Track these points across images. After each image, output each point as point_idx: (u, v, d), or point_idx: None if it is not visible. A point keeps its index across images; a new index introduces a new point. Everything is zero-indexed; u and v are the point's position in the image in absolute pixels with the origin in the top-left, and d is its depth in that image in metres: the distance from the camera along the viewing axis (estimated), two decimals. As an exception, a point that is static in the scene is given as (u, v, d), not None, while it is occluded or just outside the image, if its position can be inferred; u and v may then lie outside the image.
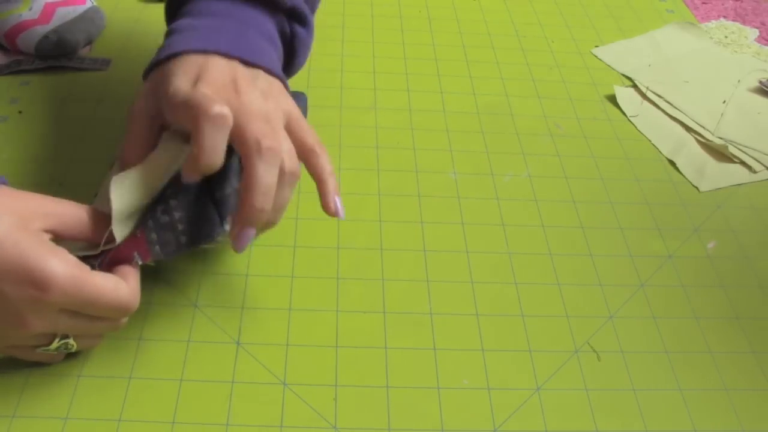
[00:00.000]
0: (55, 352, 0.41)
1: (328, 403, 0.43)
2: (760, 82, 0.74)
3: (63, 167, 0.56)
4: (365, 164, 0.60)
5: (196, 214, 0.42)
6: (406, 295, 0.50)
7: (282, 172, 0.40)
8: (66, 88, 0.64)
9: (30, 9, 0.65)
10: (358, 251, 0.53)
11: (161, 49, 0.44)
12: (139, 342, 0.45)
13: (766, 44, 0.83)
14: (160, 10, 0.75)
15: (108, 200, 0.39)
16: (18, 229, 0.36)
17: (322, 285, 0.50)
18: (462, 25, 0.79)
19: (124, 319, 0.42)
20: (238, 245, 0.41)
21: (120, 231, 0.40)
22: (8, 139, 0.58)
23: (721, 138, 0.67)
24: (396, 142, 0.63)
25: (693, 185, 0.62)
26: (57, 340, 0.40)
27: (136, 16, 0.74)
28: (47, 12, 0.65)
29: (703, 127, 0.68)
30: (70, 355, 0.44)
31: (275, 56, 0.47)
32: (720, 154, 0.66)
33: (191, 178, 0.40)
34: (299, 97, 0.53)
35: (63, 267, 0.36)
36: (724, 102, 0.72)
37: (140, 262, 0.41)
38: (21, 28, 0.64)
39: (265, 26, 0.47)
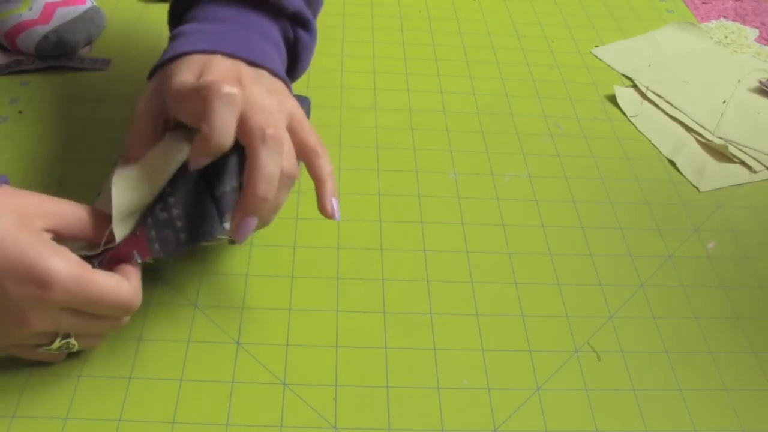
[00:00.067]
0: (57, 352, 0.41)
1: (328, 403, 0.43)
2: (760, 82, 0.74)
3: (63, 167, 0.56)
4: (365, 164, 0.60)
5: (195, 212, 0.42)
6: (406, 295, 0.50)
7: (280, 174, 0.40)
8: (66, 88, 0.64)
9: (30, 9, 0.65)
10: (358, 251, 0.53)
11: (165, 51, 0.44)
12: (139, 342, 0.45)
13: (766, 44, 0.83)
14: (160, 10, 0.75)
15: (110, 198, 0.39)
16: (19, 227, 0.36)
17: (322, 285, 0.50)
18: (462, 25, 0.79)
19: (126, 318, 0.42)
20: (240, 235, 0.41)
21: (120, 230, 0.40)
22: (8, 139, 0.58)
23: (721, 138, 0.67)
24: (396, 142, 0.63)
25: (693, 185, 0.62)
26: (59, 339, 0.40)
27: (136, 16, 0.74)
28: (47, 12, 0.65)
29: (703, 127, 0.68)
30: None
31: (279, 60, 0.47)
32: (720, 154, 0.66)
33: (199, 162, 0.40)
34: (302, 101, 0.53)
35: (65, 265, 0.36)
36: (724, 102, 0.72)
37: (140, 261, 0.41)
38: (21, 28, 0.64)
39: (270, 31, 0.47)
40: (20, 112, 0.61)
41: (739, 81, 0.75)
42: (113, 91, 0.64)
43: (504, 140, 0.64)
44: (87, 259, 0.39)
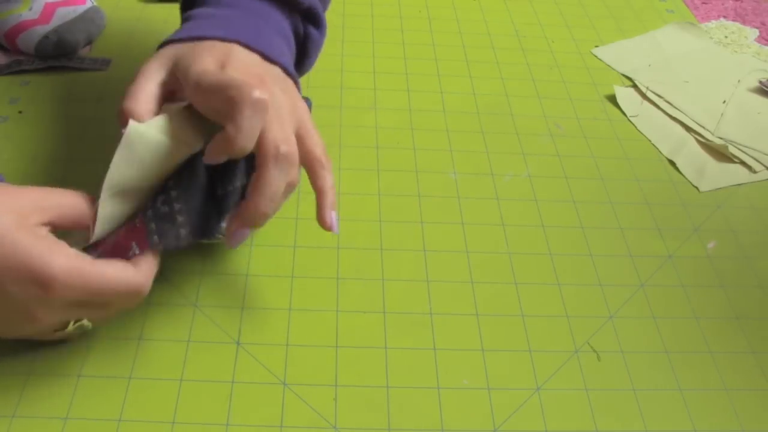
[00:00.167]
0: (74, 333, 0.42)
1: (328, 403, 0.43)
2: (760, 82, 0.74)
3: (63, 167, 0.56)
4: (365, 164, 0.60)
5: (197, 209, 0.42)
6: (406, 295, 0.50)
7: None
8: (66, 88, 0.64)
9: (30, 9, 0.65)
10: (358, 251, 0.53)
11: (179, 31, 0.44)
12: (139, 342, 0.45)
13: (766, 44, 0.83)
14: (160, 10, 0.75)
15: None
16: (16, 227, 0.36)
17: (322, 285, 0.50)
18: (462, 25, 0.79)
19: (145, 291, 0.41)
20: (233, 243, 0.41)
21: (105, 207, 0.39)
22: (8, 139, 0.58)
23: (721, 138, 0.67)
24: (396, 142, 0.63)
25: (693, 185, 0.62)
26: (72, 324, 0.40)
27: (136, 16, 0.74)
28: (47, 12, 0.65)
29: (703, 127, 0.68)
30: (71, 355, 0.44)
31: (289, 55, 0.47)
32: (720, 154, 0.66)
33: (216, 160, 0.40)
34: (305, 102, 0.53)
35: (63, 262, 0.36)
36: (724, 102, 0.72)
37: (137, 252, 0.40)
38: (21, 28, 0.64)
39: (281, 24, 0.47)
40: (20, 112, 0.61)
41: (739, 81, 0.75)
42: (113, 91, 0.64)
43: (504, 140, 0.64)
44: (86, 250, 0.39)
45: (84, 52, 0.68)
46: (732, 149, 0.65)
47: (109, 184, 0.39)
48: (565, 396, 0.45)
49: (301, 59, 0.51)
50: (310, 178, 0.44)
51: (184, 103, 0.42)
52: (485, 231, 0.55)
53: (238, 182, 0.43)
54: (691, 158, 0.65)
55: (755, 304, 0.53)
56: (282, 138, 0.39)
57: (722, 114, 0.70)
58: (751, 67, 0.77)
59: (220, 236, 0.43)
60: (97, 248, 0.40)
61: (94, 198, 0.40)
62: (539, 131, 0.66)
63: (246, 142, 0.38)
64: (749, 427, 0.45)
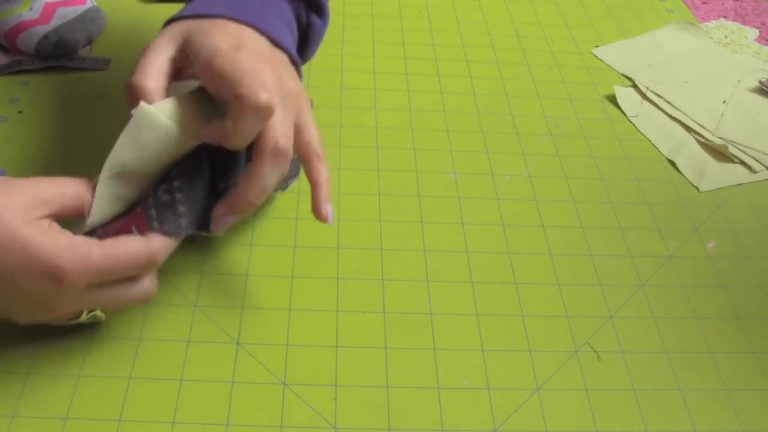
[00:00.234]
0: (86, 322, 0.42)
1: (328, 403, 0.43)
2: (760, 82, 0.74)
3: (63, 167, 0.56)
4: (365, 164, 0.60)
5: (199, 200, 0.42)
6: (406, 295, 0.50)
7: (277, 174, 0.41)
8: (66, 88, 0.64)
9: (30, 9, 0.65)
10: (358, 251, 0.53)
11: (187, 7, 0.44)
12: (139, 342, 0.45)
13: (766, 44, 0.83)
14: (160, 9, 0.75)
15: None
16: (21, 224, 0.36)
17: (322, 285, 0.50)
18: (462, 25, 0.79)
19: (153, 287, 0.41)
20: (218, 228, 0.42)
21: (105, 184, 0.39)
22: (8, 139, 0.58)
23: (721, 138, 0.67)
24: (396, 142, 0.63)
25: (693, 185, 0.62)
26: (85, 313, 0.41)
27: (136, 16, 0.74)
28: (47, 12, 0.65)
29: (703, 127, 0.68)
30: (71, 355, 0.44)
31: (292, 43, 0.47)
32: (720, 154, 0.66)
33: (206, 140, 0.40)
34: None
35: (70, 253, 0.36)
36: (724, 102, 0.72)
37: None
38: (21, 28, 0.64)
39: (284, 10, 0.47)
40: (20, 112, 0.61)
41: (739, 81, 0.75)
42: (113, 91, 0.64)
43: (504, 140, 0.64)
44: (89, 235, 0.39)
45: (84, 52, 0.68)
46: (732, 149, 0.65)
47: (110, 164, 0.39)
48: (565, 396, 0.45)
49: (303, 47, 0.51)
50: (305, 169, 0.44)
51: (194, 85, 0.42)
52: (485, 231, 0.55)
53: (240, 179, 0.43)
54: (691, 158, 0.65)
55: (755, 304, 0.53)
56: (281, 132, 0.39)
57: (722, 114, 0.70)
58: (751, 67, 0.77)
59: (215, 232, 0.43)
60: (97, 233, 0.40)
61: (95, 184, 0.40)
62: (539, 131, 0.66)
63: (241, 143, 0.39)
64: (749, 427, 0.45)
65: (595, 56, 0.77)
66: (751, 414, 0.46)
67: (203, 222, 0.42)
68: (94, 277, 0.37)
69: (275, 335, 0.47)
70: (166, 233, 0.40)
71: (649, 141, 0.66)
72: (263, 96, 0.37)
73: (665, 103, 0.71)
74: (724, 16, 0.88)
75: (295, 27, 0.48)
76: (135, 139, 0.39)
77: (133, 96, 0.40)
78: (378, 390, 0.44)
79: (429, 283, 0.51)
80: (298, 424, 0.42)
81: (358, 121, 0.64)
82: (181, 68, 0.43)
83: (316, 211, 0.44)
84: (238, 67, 0.38)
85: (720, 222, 0.59)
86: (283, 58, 0.44)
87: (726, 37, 0.83)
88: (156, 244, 0.39)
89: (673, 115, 0.69)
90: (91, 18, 0.67)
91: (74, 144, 0.58)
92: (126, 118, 0.38)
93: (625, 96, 0.71)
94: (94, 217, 0.40)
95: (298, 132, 0.42)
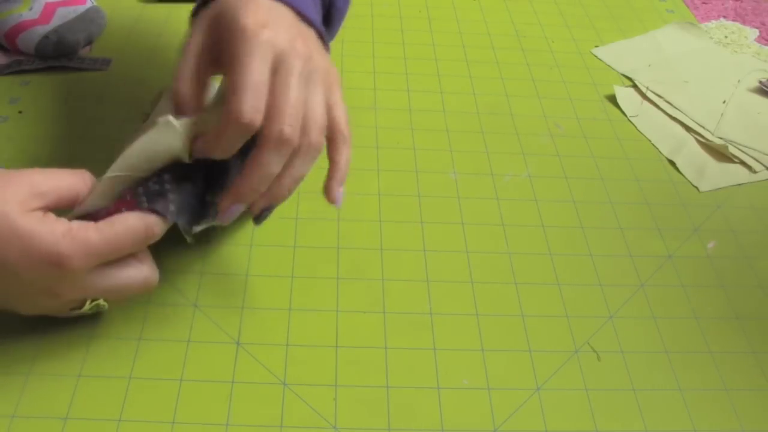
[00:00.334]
0: (89, 312, 0.42)
1: (328, 403, 0.43)
2: (760, 82, 0.74)
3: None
4: (365, 164, 0.60)
5: (187, 194, 0.42)
6: (406, 295, 0.50)
7: (307, 145, 0.40)
8: (66, 88, 0.64)
9: (30, 9, 0.65)
10: (358, 251, 0.53)
11: None
12: (139, 342, 0.45)
13: (766, 44, 0.83)
14: (160, 10, 0.75)
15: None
16: (18, 216, 0.36)
17: (322, 285, 0.50)
18: (462, 25, 0.79)
19: (154, 275, 0.42)
20: (225, 218, 0.42)
21: (106, 182, 0.40)
22: (8, 139, 0.58)
23: (721, 138, 0.67)
24: (396, 142, 0.63)
25: (693, 185, 0.62)
26: (88, 302, 0.41)
27: (136, 16, 0.74)
28: (47, 12, 0.65)
29: (703, 127, 0.68)
30: (71, 355, 0.44)
31: (319, 18, 0.46)
32: (720, 154, 0.66)
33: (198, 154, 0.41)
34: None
35: (69, 239, 0.36)
36: (724, 102, 0.72)
37: None
38: (21, 28, 0.64)
39: None
40: (20, 112, 0.61)
41: (739, 81, 0.75)
42: (113, 91, 0.64)
43: (504, 140, 0.64)
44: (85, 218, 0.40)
45: (84, 52, 0.68)
46: (732, 149, 0.65)
47: (119, 165, 0.40)
48: (565, 396, 0.45)
49: (325, 27, 0.50)
50: (327, 149, 0.43)
51: (215, 115, 0.42)
52: (485, 231, 0.55)
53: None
54: (691, 158, 0.65)
55: (755, 304, 0.53)
56: (289, 121, 0.39)
57: (722, 114, 0.70)
58: (751, 67, 0.77)
59: (205, 226, 0.43)
60: (88, 218, 0.40)
61: (89, 175, 0.40)
62: (539, 131, 0.66)
63: (221, 155, 0.40)
64: (749, 427, 0.45)
65: (595, 56, 0.77)
66: (751, 414, 0.46)
67: (194, 214, 0.42)
68: (95, 260, 0.38)
69: (275, 335, 0.47)
70: (155, 212, 0.40)
71: (649, 141, 0.66)
72: (247, 113, 0.38)
73: (665, 103, 0.71)
74: (724, 16, 0.88)
75: (320, 6, 0.48)
76: (152, 146, 0.40)
77: (175, 99, 0.41)
78: (378, 390, 0.44)
79: (429, 283, 0.51)
80: (298, 424, 0.42)
81: (358, 121, 0.64)
82: (220, 53, 0.42)
83: (328, 191, 0.43)
84: (246, 69, 0.38)
85: (720, 222, 0.59)
86: (311, 33, 0.43)
87: (726, 37, 0.83)
88: (151, 218, 0.39)
89: (673, 115, 0.69)
90: (91, 18, 0.67)
91: (74, 144, 0.58)
92: (144, 124, 0.39)
93: (625, 96, 0.71)
94: (86, 206, 0.40)
95: (327, 110, 0.42)
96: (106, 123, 0.61)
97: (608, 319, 0.50)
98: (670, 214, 0.59)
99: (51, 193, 0.38)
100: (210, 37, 0.42)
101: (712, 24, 0.86)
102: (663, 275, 0.54)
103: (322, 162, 0.43)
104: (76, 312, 0.42)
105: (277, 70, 0.39)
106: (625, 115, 0.69)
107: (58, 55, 0.66)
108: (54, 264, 0.36)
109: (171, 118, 0.40)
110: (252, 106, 0.38)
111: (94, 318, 0.46)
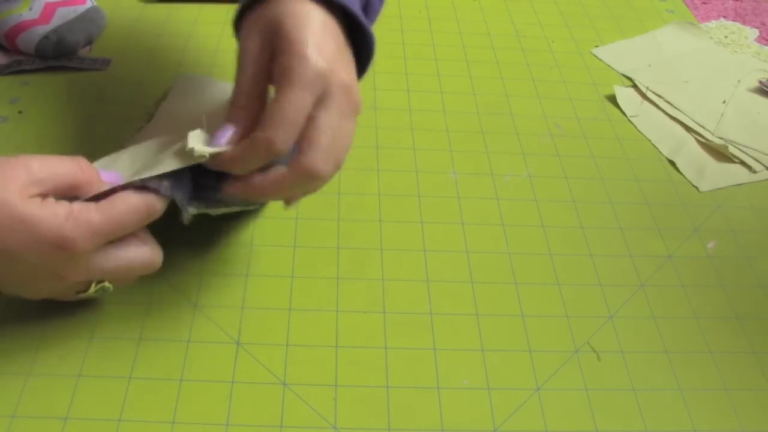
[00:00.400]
0: (95, 295, 0.42)
1: (328, 403, 0.43)
2: (760, 82, 0.74)
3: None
4: (365, 164, 0.60)
5: (182, 180, 0.42)
6: (406, 295, 0.50)
7: (351, 105, 0.41)
8: (66, 88, 0.64)
9: (30, 9, 0.65)
10: (358, 251, 0.53)
11: None
12: (139, 342, 0.45)
13: (766, 44, 0.83)
14: (160, 10, 0.75)
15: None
16: (20, 202, 0.36)
17: (322, 285, 0.50)
18: (462, 25, 0.79)
19: (158, 257, 0.42)
20: (243, 189, 0.42)
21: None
22: (8, 139, 0.58)
23: (721, 138, 0.67)
24: (396, 142, 0.63)
25: (693, 185, 0.62)
26: (94, 284, 0.41)
27: (136, 16, 0.74)
28: (47, 12, 0.65)
29: (703, 127, 0.68)
30: (71, 355, 0.44)
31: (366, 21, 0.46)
32: (720, 154, 0.66)
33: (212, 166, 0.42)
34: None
35: (72, 221, 0.37)
36: (724, 102, 0.72)
37: None
38: (21, 28, 0.64)
39: None
40: (20, 112, 0.61)
41: (739, 81, 0.75)
42: (113, 91, 0.64)
43: (504, 140, 0.64)
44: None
45: (84, 52, 0.68)
46: (732, 149, 0.65)
47: (151, 174, 0.40)
48: (565, 396, 0.45)
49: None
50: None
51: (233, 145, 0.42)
52: (485, 231, 0.55)
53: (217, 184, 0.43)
54: (691, 158, 0.65)
55: (755, 304, 0.53)
56: (325, 155, 0.40)
57: (722, 114, 0.70)
58: (751, 67, 0.77)
59: (204, 204, 0.44)
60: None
61: (86, 162, 0.40)
62: (539, 131, 0.66)
63: (237, 171, 0.41)
64: (749, 427, 0.45)
65: (595, 56, 0.77)
66: (751, 414, 0.46)
67: (185, 197, 0.42)
68: (99, 240, 0.38)
69: (275, 335, 0.47)
70: (149, 189, 0.40)
71: (649, 141, 0.66)
72: (279, 147, 0.38)
73: (665, 103, 0.71)
74: (724, 16, 0.88)
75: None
76: (178, 168, 0.40)
77: (229, 114, 0.42)
78: (378, 390, 0.44)
79: (429, 283, 0.51)
80: (298, 424, 0.42)
81: (358, 121, 0.64)
82: (272, 58, 0.41)
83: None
84: (293, 98, 0.38)
85: (720, 222, 0.59)
86: (350, 54, 0.43)
87: (726, 37, 0.83)
88: (151, 195, 0.40)
89: (673, 115, 0.69)
90: (91, 18, 0.67)
91: (74, 144, 0.58)
92: (148, 124, 0.39)
93: (625, 96, 0.71)
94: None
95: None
96: (106, 123, 0.61)
97: (608, 319, 0.50)
98: (670, 214, 0.59)
99: (49, 180, 0.38)
100: (266, 49, 0.41)
101: (712, 24, 0.86)
102: (663, 275, 0.54)
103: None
104: (82, 295, 0.42)
105: (322, 101, 0.40)
106: (625, 115, 0.69)
107: (58, 55, 0.66)
108: (59, 247, 0.36)
109: (198, 148, 0.40)
110: (288, 137, 0.39)
111: (94, 318, 0.46)
